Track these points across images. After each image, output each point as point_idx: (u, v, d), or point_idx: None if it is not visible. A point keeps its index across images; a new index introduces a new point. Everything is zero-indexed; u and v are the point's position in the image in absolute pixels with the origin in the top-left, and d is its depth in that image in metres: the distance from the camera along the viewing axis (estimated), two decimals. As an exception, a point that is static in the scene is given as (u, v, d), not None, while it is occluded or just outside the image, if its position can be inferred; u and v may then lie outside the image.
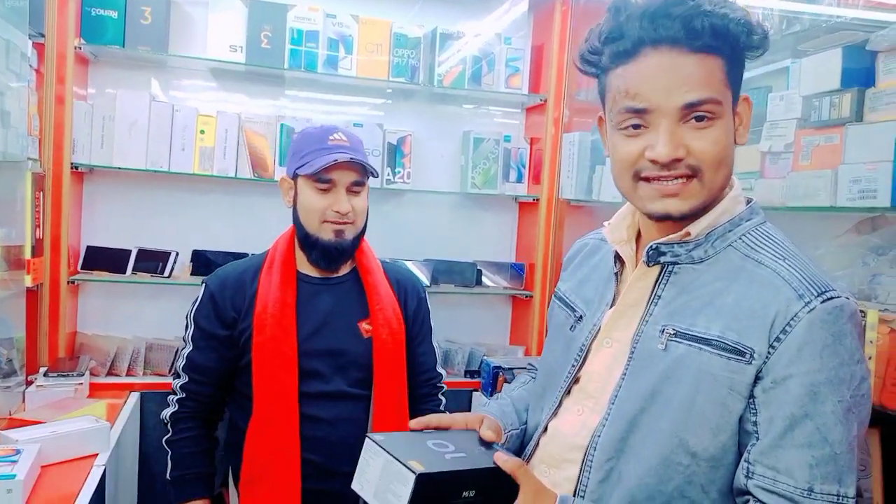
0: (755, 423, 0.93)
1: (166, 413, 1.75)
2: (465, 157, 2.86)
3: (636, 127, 0.98)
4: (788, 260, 0.97)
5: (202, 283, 1.79)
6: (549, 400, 1.13)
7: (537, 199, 2.83)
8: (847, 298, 0.93)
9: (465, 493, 0.97)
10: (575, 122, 2.78)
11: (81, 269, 2.51)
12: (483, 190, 2.84)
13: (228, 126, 2.53)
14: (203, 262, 2.54)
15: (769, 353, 0.92)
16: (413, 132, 2.77)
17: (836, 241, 1.61)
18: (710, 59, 0.94)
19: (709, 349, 0.95)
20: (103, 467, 1.72)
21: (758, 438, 0.92)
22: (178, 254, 2.55)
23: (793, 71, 1.76)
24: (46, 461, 1.66)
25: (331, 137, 1.70)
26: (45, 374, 2.17)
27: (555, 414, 1.11)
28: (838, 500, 0.89)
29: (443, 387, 1.91)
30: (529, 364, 1.40)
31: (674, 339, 0.98)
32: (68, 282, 2.38)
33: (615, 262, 1.11)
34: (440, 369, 1.90)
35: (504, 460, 0.99)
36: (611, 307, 1.08)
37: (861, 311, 0.99)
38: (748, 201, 1.05)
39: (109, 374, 2.47)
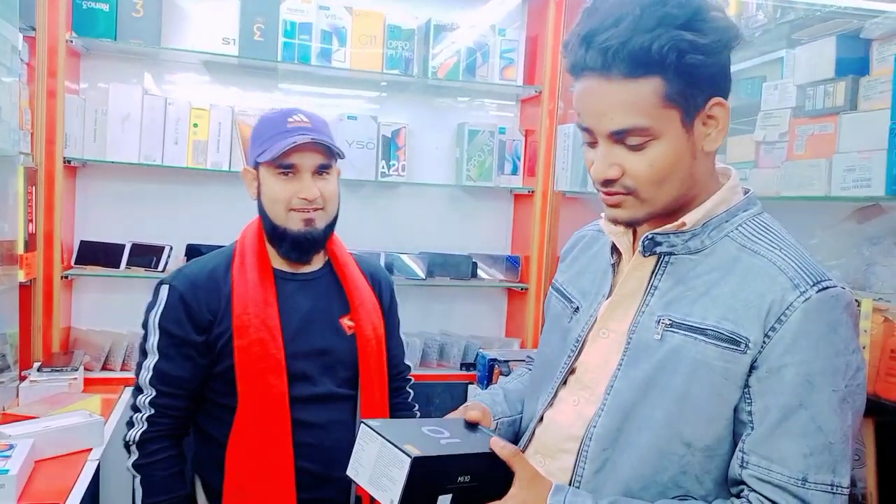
0: (750, 413, 0.93)
1: (133, 435, 1.52)
2: (459, 149, 2.85)
3: (590, 141, 0.99)
4: (784, 250, 0.96)
5: (161, 284, 1.59)
6: (545, 390, 1.12)
7: (532, 192, 2.83)
8: (843, 288, 0.93)
9: (461, 479, 0.97)
10: (570, 114, 2.78)
11: (75, 263, 2.50)
12: (478, 182, 2.83)
13: (222, 119, 2.52)
14: (197, 256, 2.53)
15: (764, 342, 0.91)
16: (407, 125, 2.76)
17: (830, 230, 1.61)
18: (640, 83, 0.91)
19: (704, 339, 0.95)
20: (97, 462, 1.71)
21: (752, 428, 0.92)
22: (172, 248, 2.55)
23: (787, 60, 1.76)
24: (40, 456, 1.65)
25: (290, 120, 1.58)
26: (39, 370, 2.17)
27: (550, 404, 1.11)
28: (832, 489, 0.90)
29: (410, 379, 1.85)
30: (528, 356, 1.40)
31: (670, 329, 0.97)
32: (62, 276, 2.38)
33: (612, 254, 1.11)
34: (407, 361, 1.85)
35: (500, 446, 0.99)
36: (607, 298, 1.08)
37: (856, 301, 0.99)
38: (746, 191, 1.04)
39: (103, 368, 2.47)
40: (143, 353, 1.56)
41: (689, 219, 0.99)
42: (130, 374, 2.42)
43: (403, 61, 2.67)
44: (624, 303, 1.05)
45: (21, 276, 2.11)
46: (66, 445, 1.72)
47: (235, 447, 1.53)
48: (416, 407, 1.82)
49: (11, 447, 1.56)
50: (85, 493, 1.56)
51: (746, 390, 0.93)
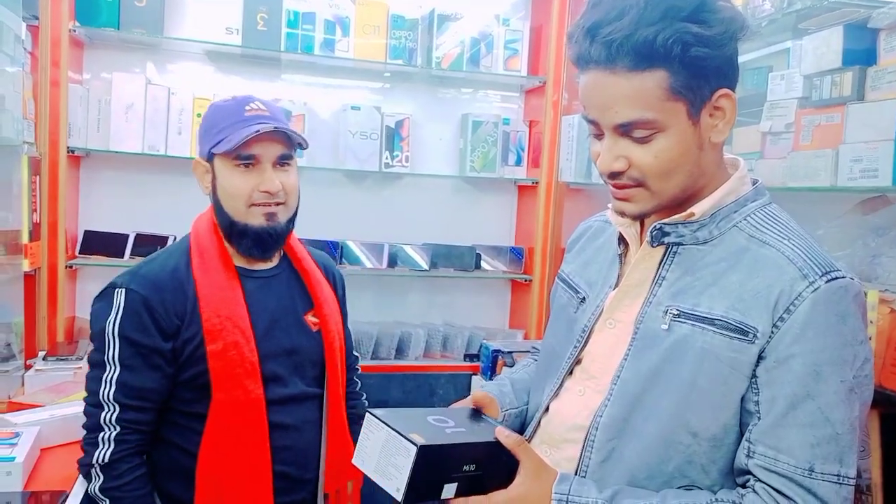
0: (757, 403, 0.92)
1: (99, 456, 1.37)
2: (463, 140, 2.84)
3: (596, 133, 0.99)
4: (793, 240, 0.96)
5: (113, 287, 1.44)
6: (551, 381, 1.12)
7: (536, 183, 2.82)
8: (851, 279, 0.93)
9: (466, 468, 0.97)
10: (574, 105, 2.77)
11: (79, 253, 2.50)
12: (482, 173, 2.83)
13: (225, 109, 2.51)
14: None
15: (772, 332, 0.91)
16: (411, 115, 2.75)
17: (836, 221, 1.60)
18: (645, 76, 0.91)
19: (712, 329, 0.94)
20: (103, 451, 1.71)
21: (759, 418, 0.92)
22: (175, 237, 2.54)
23: (794, 50, 1.75)
24: (46, 444, 1.66)
25: (247, 108, 1.47)
26: (44, 359, 2.17)
27: (556, 395, 1.11)
28: (839, 479, 0.90)
29: (358, 369, 1.81)
30: (533, 347, 1.40)
31: (677, 319, 0.97)
32: (66, 266, 2.38)
33: (619, 244, 1.11)
34: (355, 352, 1.81)
35: (505, 436, 0.99)
36: (614, 289, 1.08)
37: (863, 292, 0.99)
38: (754, 182, 1.04)
39: (108, 358, 2.47)
40: (98, 366, 1.41)
41: (698, 209, 0.99)
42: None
43: (407, 51, 2.66)
44: (631, 293, 1.04)
45: (26, 266, 2.11)
46: (72, 433, 1.72)
47: (209, 456, 1.44)
48: (365, 396, 1.79)
49: (17, 435, 1.57)
50: (90, 482, 1.56)
51: (754, 380, 0.93)
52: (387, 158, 2.72)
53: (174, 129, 2.47)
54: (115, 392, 1.39)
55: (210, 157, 1.49)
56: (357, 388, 1.78)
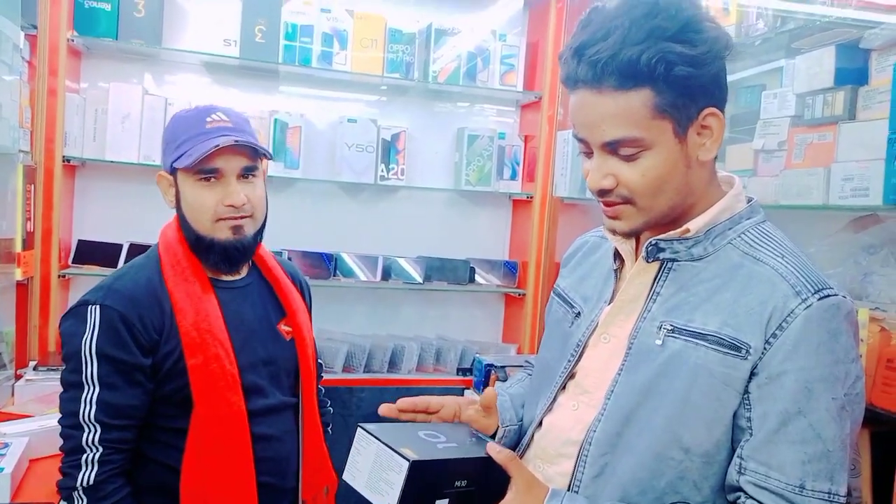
0: (749, 419, 0.93)
1: (84, 478, 1.34)
2: (459, 153, 2.86)
3: (586, 152, 1.01)
4: (787, 258, 0.97)
5: (85, 305, 1.39)
6: (544, 395, 1.13)
7: (531, 197, 2.83)
8: (844, 297, 0.93)
9: (458, 483, 0.97)
10: (569, 121, 2.78)
11: (72, 262, 2.49)
12: (477, 187, 2.84)
13: (222, 120, 2.52)
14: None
15: (765, 348, 0.92)
16: (407, 128, 2.76)
17: (827, 239, 1.61)
18: (630, 95, 0.92)
19: (705, 344, 0.95)
20: (93, 462, 1.70)
21: (751, 434, 0.93)
22: (169, 248, 2.54)
23: (786, 69, 1.76)
24: (35, 455, 1.65)
25: (208, 119, 1.43)
26: (35, 369, 2.16)
27: (549, 409, 1.11)
28: (829, 497, 0.90)
29: (322, 375, 1.79)
30: (526, 361, 1.40)
31: (671, 334, 0.98)
32: (59, 275, 2.37)
33: (615, 260, 1.11)
34: (319, 359, 1.79)
35: (497, 451, 0.99)
36: (609, 304, 1.08)
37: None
38: (749, 200, 1.05)
39: (100, 368, 2.46)
40: (74, 386, 1.37)
41: (693, 226, 1.00)
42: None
43: (404, 65, 2.68)
44: (626, 308, 1.05)
45: (18, 275, 2.10)
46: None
47: (192, 471, 1.42)
48: (329, 404, 1.78)
49: (6, 446, 1.56)
50: (79, 493, 1.55)
51: (746, 396, 0.93)
52: (382, 171, 2.73)
53: (170, 140, 2.47)
54: (96, 412, 1.35)
55: (173, 171, 1.46)
56: (322, 396, 1.77)
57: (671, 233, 1.01)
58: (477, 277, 2.89)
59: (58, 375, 2.10)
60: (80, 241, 2.52)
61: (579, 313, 1.13)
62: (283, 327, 1.57)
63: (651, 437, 0.97)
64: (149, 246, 2.47)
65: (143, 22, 2.43)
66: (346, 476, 1.00)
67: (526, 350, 2.83)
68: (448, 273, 2.83)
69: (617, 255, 1.11)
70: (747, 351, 0.92)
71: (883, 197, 1.38)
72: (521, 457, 1.12)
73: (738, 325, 0.94)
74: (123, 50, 2.52)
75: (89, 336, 1.37)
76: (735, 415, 0.94)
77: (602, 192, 0.99)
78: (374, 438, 0.97)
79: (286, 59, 2.55)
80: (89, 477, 1.34)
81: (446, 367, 2.83)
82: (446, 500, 0.97)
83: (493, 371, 2.55)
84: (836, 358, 0.91)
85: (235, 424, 1.43)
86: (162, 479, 1.43)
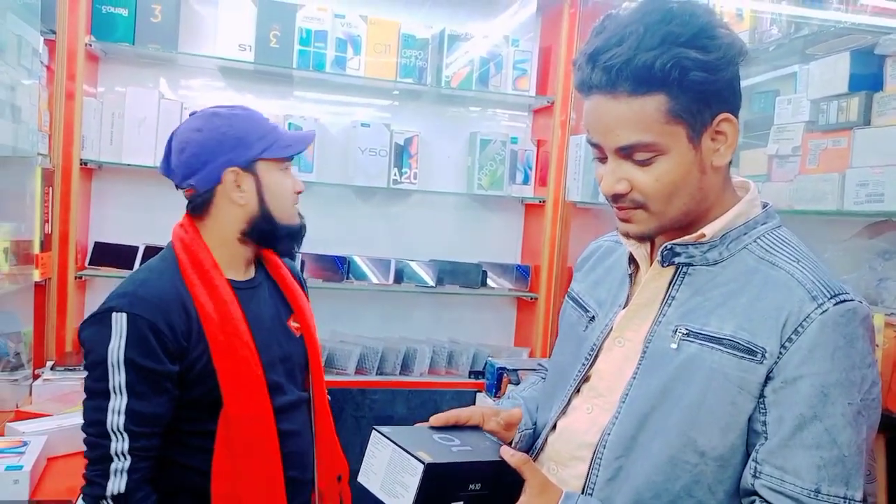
0: (764, 423, 0.93)
1: (114, 487, 1.32)
2: (471, 158, 2.86)
3: (600, 157, 1.02)
4: (802, 262, 0.97)
5: (111, 311, 1.36)
6: (559, 398, 1.13)
7: (543, 202, 2.84)
8: (860, 302, 0.93)
9: (472, 486, 0.97)
10: (582, 125, 2.78)
11: (89, 264, 2.52)
12: (489, 191, 2.84)
13: (237, 124, 2.54)
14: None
15: (781, 353, 0.92)
16: (420, 133, 2.78)
17: (842, 244, 1.61)
18: (645, 100, 0.93)
19: (721, 348, 0.95)
20: (109, 461, 1.72)
21: (766, 438, 0.93)
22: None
23: (801, 75, 1.77)
24: (53, 453, 1.67)
25: (264, 116, 1.63)
26: (52, 368, 2.18)
27: (564, 412, 1.11)
28: (845, 502, 0.90)
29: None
30: (539, 364, 1.41)
31: (686, 338, 0.98)
32: (76, 277, 2.40)
33: (629, 264, 1.12)
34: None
35: (510, 454, 1.00)
36: (624, 308, 1.09)
37: (871, 315, 0.99)
38: (764, 205, 1.05)
39: (115, 369, 2.48)
40: (100, 395, 1.35)
41: (709, 230, 1.00)
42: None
43: (417, 70, 2.69)
44: (641, 312, 1.05)
45: (36, 276, 2.13)
46: (78, 443, 1.70)
47: (223, 472, 1.42)
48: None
49: (25, 444, 1.58)
50: (96, 492, 1.57)
51: (761, 400, 0.93)
52: (395, 175, 2.74)
53: (186, 143, 2.50)
54: (125, 421, 1.34)
55: (248, 166, 1.50)
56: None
57: (687, 237, 1.01)
58: (489, 281, 2.90)
59: (75, 375, 2.14)
60: (96, 243, 2.55)
61: (594, 317, 1.13)
62: (293, 324, 1.62)
63: (665, 440, 0.97)
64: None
65: (160, 27, 2.46)
66: (360, 478, 1.01)
67: (538, 354, 2.83)
68: (460, 277, 2.83)
69: (632, 260, 1.11)
70: (763, 355, 0.93)
71: (898, 202, 1.38)
72: (535, 460, 1.13)
73: (754, 330, 0.94)
74: (140, 55, 2.55)
75: (116, 344, 1.35)
76: (750, 419, 0.94)
77: (616, 197, 1.00)
78: (388, 441, 0.97)
79: (300, 64, 2.57)
80: (120, 486, 1.34)
81: (458, 370, 2.84)
82: (460, 503, 0.98)
83: (505, 374, 2.56)
84: (852, 363, 0.91)
85: (263, 423, 1.45)
86: (189, 482, 1.44)
